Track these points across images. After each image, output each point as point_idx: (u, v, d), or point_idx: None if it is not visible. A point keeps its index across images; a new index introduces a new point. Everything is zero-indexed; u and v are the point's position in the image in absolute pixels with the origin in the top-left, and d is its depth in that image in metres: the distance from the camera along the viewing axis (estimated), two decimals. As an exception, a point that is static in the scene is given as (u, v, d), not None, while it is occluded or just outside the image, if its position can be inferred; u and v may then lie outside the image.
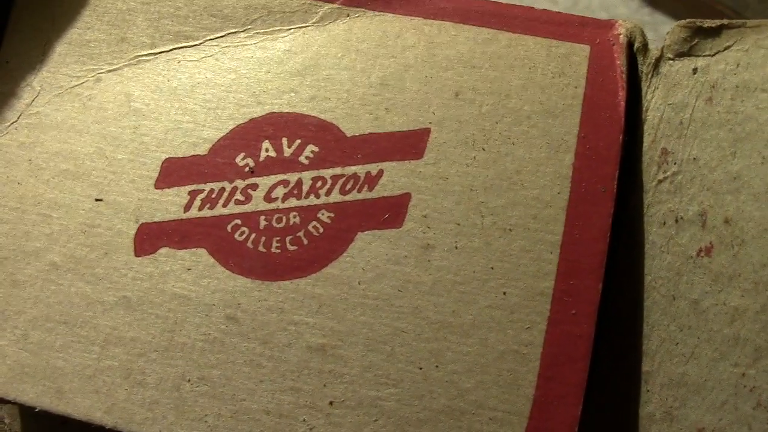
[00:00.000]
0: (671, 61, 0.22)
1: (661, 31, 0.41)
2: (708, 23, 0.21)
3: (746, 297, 0.19)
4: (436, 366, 0.20)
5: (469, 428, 0.19)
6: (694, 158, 0.21)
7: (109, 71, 0.23)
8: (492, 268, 0.20)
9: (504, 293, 0.20)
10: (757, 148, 0.20)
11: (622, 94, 0.21)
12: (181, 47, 0.23)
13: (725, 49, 0.21)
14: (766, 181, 0.19)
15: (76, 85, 0.23)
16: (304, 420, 0.20)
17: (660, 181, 0.22)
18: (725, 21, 0.21)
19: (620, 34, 0.22)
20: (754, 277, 0.19)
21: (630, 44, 0.22)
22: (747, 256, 0.19)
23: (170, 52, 0.23)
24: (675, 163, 0.21)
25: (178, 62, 0.23)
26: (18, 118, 0.23)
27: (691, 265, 0.20)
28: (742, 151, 0.20)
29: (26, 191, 0.22)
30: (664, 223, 0.21)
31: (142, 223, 0.22)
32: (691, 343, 0.20)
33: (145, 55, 0.23)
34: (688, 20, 0.22)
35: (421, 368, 0.20)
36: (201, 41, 0.23)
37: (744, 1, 0.38)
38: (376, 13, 0.23)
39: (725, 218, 0.20)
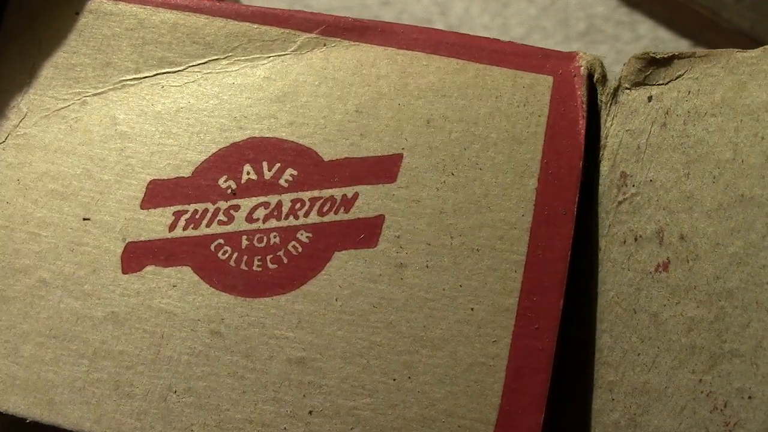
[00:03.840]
0: (628, 91, 0.23)
1: (639, 30, 0.42)
2: (660, 54, 0.22)
3: (701, 308, 0.19)
4: (409, 377, 0.21)
5: (440, 436, 0.20)
6: (651, 180, 0.22)
7: (95, 95, 0.24)
8: (461, 286, 0.21)
9: (472, 309, 0.21)
10: (708, 169, 0.20)
11: (582, 123, 0.22)
12: (165, 72, 0.24)
13: (677, 77, 0.22)
14: (717, 199, 0.20)
15: (62, 108, 0.24)
16: (285, 429, 0.20)
17: (620, 203, 0.22)
18: (676, 52, 0.22)
19: (581, 66, 0.23)
20: (707, 288, 0.19)
21: (590, 75, 0.23)
22: (701, 269, 0.20)
23: (154, 77, 0.24)
24: (633, 186, 0.22)
25: (162, 87, 0.24)
26: (6, 139, 0.24)
27: (649, 280, 0.21)
28: (694, 172, 0.21)
29: (15, 210, 0.23)
30: (625, 242, 0.22)
31: (129, 242, 0.22)
32: (652, 353, 0.20)
33: (130, 79, 0.24)
34: (642, 52, 0.23)
35: (394, 379, 0.21)
36: (184, 67, 0.24)
37: (721, 1, 0.38)
38: (352, 42, 0.24)
39: (680, 235, 0.21)
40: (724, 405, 0.18)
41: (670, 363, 0.20)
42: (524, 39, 0.42)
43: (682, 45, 0.41)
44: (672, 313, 0.20)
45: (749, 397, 0.18)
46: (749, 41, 0.38)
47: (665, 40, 0.42)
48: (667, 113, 0.22)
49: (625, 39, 0.42)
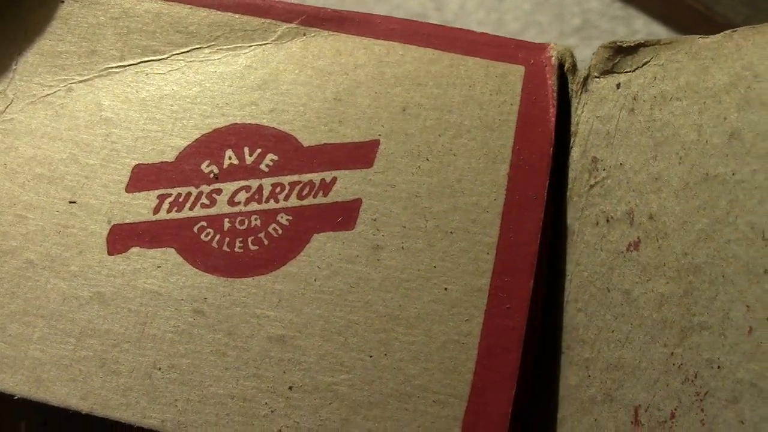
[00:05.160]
0: (597, 79, 0.24)
1: (634, 25, 0.41)
2: (627, 43, 0.23)
3: (671, 284, 0.20)
4: (385, 354, 0.21)
5: (415, 410, 0.21)
6: (621, 163, 0.22)
7: (80, 82, 0.24)
8: (435, 267, 0.22)
9: (445, 289, 0.22)
10: (674, 151, 0.21)
11: (552, 111, 0.23)
12: (149, 60, 0.24)
13: (643, 64, 0.23)
14: (684, 179, 0.20)
15: (48, 94, 0.24)
16: (265, 404, 0.21)
17: (591, 186, 0.23)
18: (641, 40, 0.23)
19: (552, 56, 0.24)
20: (676, 265, 0.20)
21: (561, 65, 0.24)
22: (670, 247, 0.20)
23: (138, 65, 0.24)
24: (604, 169, 0.23)
25: (146, 75, 0.24)
26: None
27: (621, 259, 0.21)
28: (661, 154, 0.21)
29: (2, 194, 0.23)
30: (597, 224, 0.22)
31: (114, 225, 0.23)
32: (625, 329, 0.21)
33: (115, 67, 0.24)
34: (609, 42, 0.23)
35: (371, 356, 0.21)
36: (168, 55, 0.24)
37: (715, -6, 0.39)
38: (331, 32, 0.24)
39: (650, 215, 0.21)
40: (694, 376, 0.19)
41: (643, 338, 0.20)
42: (519, 34, 0.42)
43: (678, 40, 0.41)
44: (643, 290, 0.21)
45: (718, 367, 0.18)
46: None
47: (660, 36, 0.41)
48: (634, 99, 0.22)
49: (620, 34, 0.41)
